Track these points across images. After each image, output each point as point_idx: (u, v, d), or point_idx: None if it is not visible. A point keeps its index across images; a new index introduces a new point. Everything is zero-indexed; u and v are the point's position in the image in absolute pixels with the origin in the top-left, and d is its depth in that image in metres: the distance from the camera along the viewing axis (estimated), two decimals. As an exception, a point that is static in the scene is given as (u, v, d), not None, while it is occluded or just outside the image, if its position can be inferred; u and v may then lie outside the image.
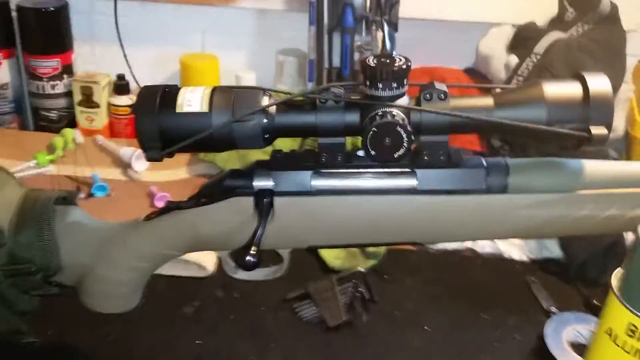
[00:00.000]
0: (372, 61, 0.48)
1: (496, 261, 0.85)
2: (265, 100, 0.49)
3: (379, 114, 0.47)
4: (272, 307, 0.73)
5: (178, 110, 0.48)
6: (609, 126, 0.46)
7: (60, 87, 1.11)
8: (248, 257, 0.48)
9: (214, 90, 0.49)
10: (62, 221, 0.55)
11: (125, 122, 1.11)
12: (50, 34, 1.10)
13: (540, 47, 0.88)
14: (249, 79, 1.10)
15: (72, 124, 1.12)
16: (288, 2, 1.08)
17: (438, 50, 1.09)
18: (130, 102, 1.10)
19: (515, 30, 0.97)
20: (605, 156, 0.88)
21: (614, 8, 0.95)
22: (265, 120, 0.49)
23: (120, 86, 1.09)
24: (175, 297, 0.74)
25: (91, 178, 0.96)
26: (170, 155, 0.50)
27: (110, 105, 1.11)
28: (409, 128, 0.46)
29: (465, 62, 1.06)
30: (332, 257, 0.81)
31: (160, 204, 0.89)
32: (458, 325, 0.73)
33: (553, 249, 0.85)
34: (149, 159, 0.49)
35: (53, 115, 1.13)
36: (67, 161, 1.01)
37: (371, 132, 0.46)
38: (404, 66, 0.47)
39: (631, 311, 0.46)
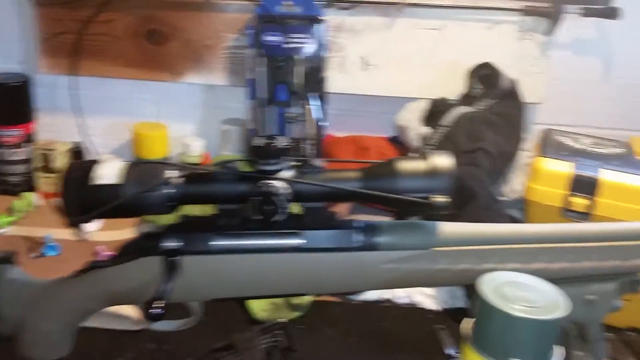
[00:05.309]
0: (257, 141, 0.57)
1: (411, 311, 0.93)
2: (170, 174, 0.58)
3: (261, 185, 0.56)
4: (199, 358, 0.80)
5: (96, 182, 0.57)
6: (448, 195, 0.56)
7: (21, 154, 1.20)
8: (151, 310, 0.56)
9: (130, 165, 0.59)
10: (1, 278, 0.63)
11: (81, 186, 1.19)
12: (14, 106, 1.20)
13: (447, 120, 1.00)
14: (197, 146, 1.20)
15: (32, 187, 1.20)
16: (231, 78, 1.20)
17: (365, 120, 1.21)
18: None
19: (429, 104, 1.09)
20: (507, 216, 0.98)
21: (514, 84, 1.07)
22: (169, 191, 0.58)
23: (77, 152, 1.19)
24: (109, 349, 0.81)
25: (44, 238, 1.04)
26: (88, 220, 0.58)
27: (67, 170, 1.20)
28: (282, 197, 0.56)
29: (391, 131, 1.18)
30: (258, 309, 0.89)
31: (104, 262, 0.97)
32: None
33: (464, 299, 0.94)
34: (70, 224, 0.58)
35: (14, 179, 1.21)
36: (25, 222, 1.09)
37: (253, 201, 0.56)
38: (279, 146, 0.57)
39: (481, 355, 0.53)
